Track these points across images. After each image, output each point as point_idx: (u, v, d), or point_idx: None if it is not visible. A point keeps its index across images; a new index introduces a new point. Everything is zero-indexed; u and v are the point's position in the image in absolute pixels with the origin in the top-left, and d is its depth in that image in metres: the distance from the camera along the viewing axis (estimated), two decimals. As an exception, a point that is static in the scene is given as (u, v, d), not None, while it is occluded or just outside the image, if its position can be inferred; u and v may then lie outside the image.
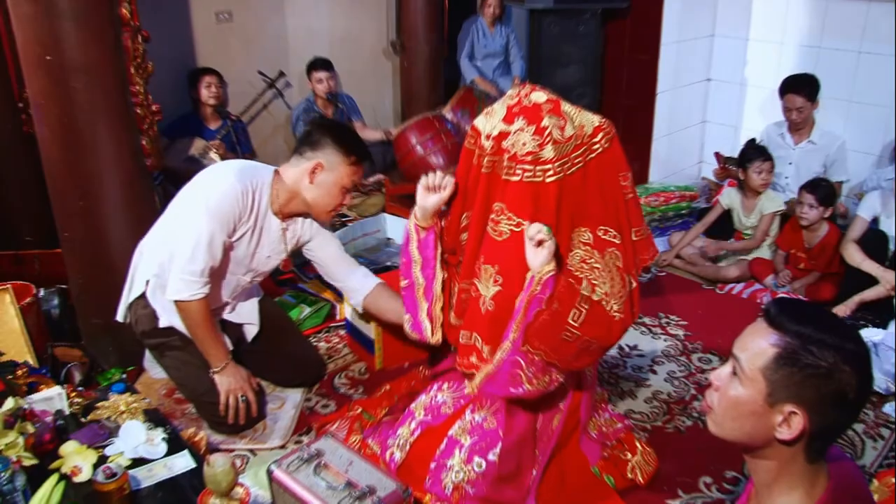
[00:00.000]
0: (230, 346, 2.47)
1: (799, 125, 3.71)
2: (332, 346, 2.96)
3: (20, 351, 2.45)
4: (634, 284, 1.95)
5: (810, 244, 3.34)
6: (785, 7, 4.01)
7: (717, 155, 4.17)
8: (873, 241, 3.15)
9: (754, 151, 3.55)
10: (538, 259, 1.82)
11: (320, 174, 2.24)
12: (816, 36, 3.92)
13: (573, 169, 1.85)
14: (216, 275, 2.32)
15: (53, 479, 1.74)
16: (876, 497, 2.02)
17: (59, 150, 2.39)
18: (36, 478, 1.73)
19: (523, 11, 4.56)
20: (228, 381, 2.33)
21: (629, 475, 2.16)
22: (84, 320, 2.69)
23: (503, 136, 1.84)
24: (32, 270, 2.96)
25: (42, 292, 2.79)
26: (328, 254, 2.51)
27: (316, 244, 2.49)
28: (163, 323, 2.35)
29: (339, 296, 3.13)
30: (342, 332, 3.03)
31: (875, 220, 3.25)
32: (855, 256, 3.11)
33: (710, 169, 4.60)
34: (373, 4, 5.22)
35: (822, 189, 3.28)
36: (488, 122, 1.88)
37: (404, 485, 1.68)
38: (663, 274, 3.58)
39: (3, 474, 1.63)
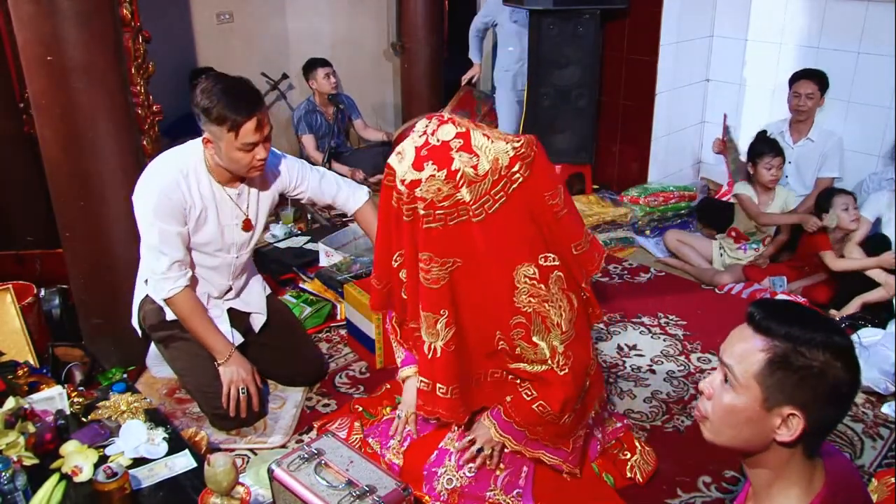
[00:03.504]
0: (240, 339, 2.50)
1: (803, 115, 3.69)
2: (333, 346, 2.97)
3: (21, 351, 2.45)
4: (586, 295, 1.95)
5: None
6: (784, 8, 4.01)
7: (725, 124, 4.02)
8: (874, 243, 3.15)
9: (764, 145, 3.51)
10: (486, 443, 1.99)
11: (213, 146, 2.20)
12: (815, 36, 3.92)
13: (496, 206, 1.77)
14: (201, 261, 2.37)
15: (54, 478, 1.75)
16: (875, 497, 2.03)
17: (60, 151, 2.39)
18: (37, 477, 1.74)
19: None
20: (231, 372, 2.35)
21: (628, 474, 2.16)
22: (85, 320, 2.69)
23: (415, 184, 1.75)
24: (33, 270, 2.96)
25: (43, 292, 2.79)
26: (311, 192, 2.53)
27: (298, 190, 2.51)
28: (169, 316, 2.38)
29: (340, 296, 3.14)
30: (343, 332, 3.03)
31: (878, 221, 3.25)
32: (858, 259, 3.11)
33: (709, 168, 4.61)
34: (373, 6, 5.23)
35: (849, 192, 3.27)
36: (400, 165, 1.79)
37: (404, 483, 1.68)
38: (662, 274, 3.58)
39: (3, 474, 1.63)
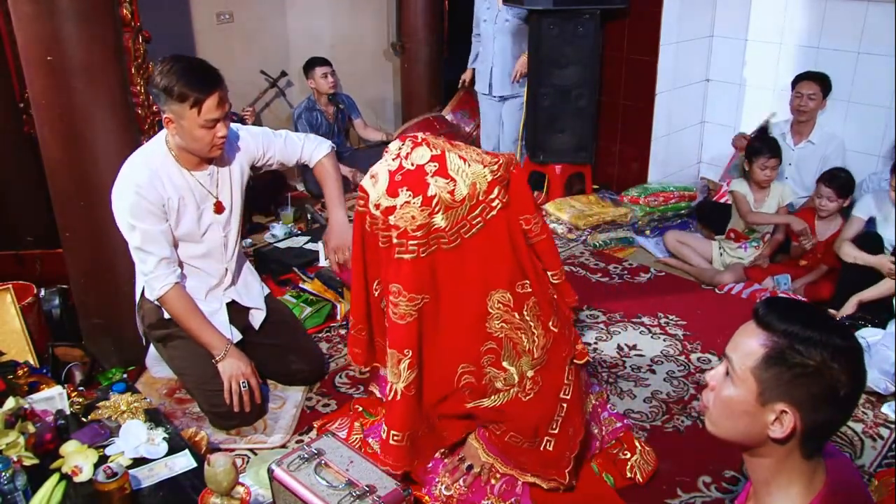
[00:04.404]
0: (238, 336, 2.50)
1: (805, 116, 3.70)
2: (333, 346, 2.97)
3: (21, 351, 2.45)
4: (556, 330, 1.87)
5: (822, 236, 3.35)
6: (784, 8, 4.01)
7: (764, 124, 3.99)
8: (868, 242, 3.15)
9: (763, 144, 3.53)
10: (476, 463, 1.98)
11: (175, 126, 2.20)
12: (815, 36, 3.92)
13: (472, 231, 1.70)
14: (193, 251, 2.38)
15: (54, 478, 1.75)
16: (875, 497, 2.03)
17: (60, 151, 2.39)
18: (37, 477, 1.74)
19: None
20: (231, 366, 2.35)
21: (628, 474, 2.16)
22: (85, 320, 2.70)
23: (390, 210, 1.68)
24: (33, 270, 2.96)
25: (43, 292, 2.80)
26: (279, 155, 2.53)
27: (267, 157, 2.51)
28: (167, 315, 2.39)
29: (340, 296, 3.14)
30: (343, 332, 3.03)
31: (871, 221, 3.25)
32: (850, 252, 3.11)
33: (709, 169, 4.61)
34: (373, 6, 5.23)
35: (839, 180, 3.30)
36: (374, 189, 1.72)
37: (404, 484, 1.68)
38: (662, 274, 3.58)
39: (3, 474, 1.63)
